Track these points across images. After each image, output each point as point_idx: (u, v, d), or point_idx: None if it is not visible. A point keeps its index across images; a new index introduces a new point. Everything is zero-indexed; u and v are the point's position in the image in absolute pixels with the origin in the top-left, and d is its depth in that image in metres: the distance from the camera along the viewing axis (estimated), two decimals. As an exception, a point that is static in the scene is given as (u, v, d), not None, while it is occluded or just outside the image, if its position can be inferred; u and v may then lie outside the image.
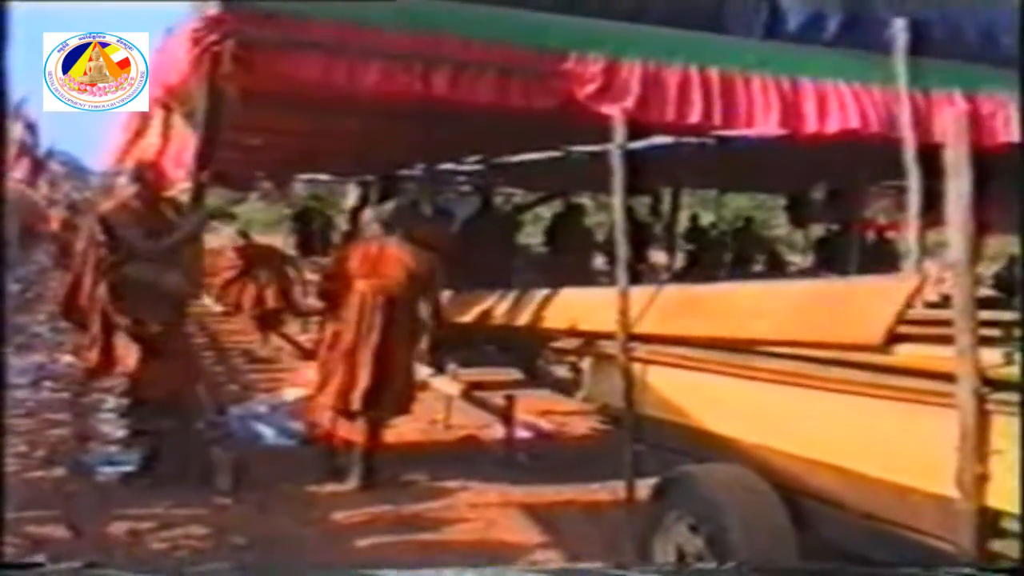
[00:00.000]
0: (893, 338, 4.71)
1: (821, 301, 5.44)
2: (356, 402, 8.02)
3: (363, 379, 8.04)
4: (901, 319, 4.73)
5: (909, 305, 4.77)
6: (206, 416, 8.63)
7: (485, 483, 8.05)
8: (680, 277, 15.21)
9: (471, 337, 9.91)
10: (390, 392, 8.15)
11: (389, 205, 9.21)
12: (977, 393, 4.02)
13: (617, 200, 7.16)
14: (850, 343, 4.91)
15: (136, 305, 7.82)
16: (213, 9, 6.84)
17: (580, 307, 7.69)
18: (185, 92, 7.95)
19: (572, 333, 7.81)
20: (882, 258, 15.33)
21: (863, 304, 5.04)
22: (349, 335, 8.17)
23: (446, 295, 9.61)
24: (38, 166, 33.51)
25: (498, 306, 9.21)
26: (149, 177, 8.26)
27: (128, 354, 7.94)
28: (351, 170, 19.88)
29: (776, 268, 17.91)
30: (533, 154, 16.70)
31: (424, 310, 8.46)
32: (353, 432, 8.20)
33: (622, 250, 6.91)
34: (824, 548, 4.97)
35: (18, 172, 29.48)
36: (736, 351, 5.61)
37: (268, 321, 14.66)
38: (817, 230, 18.84)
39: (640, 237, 13.97)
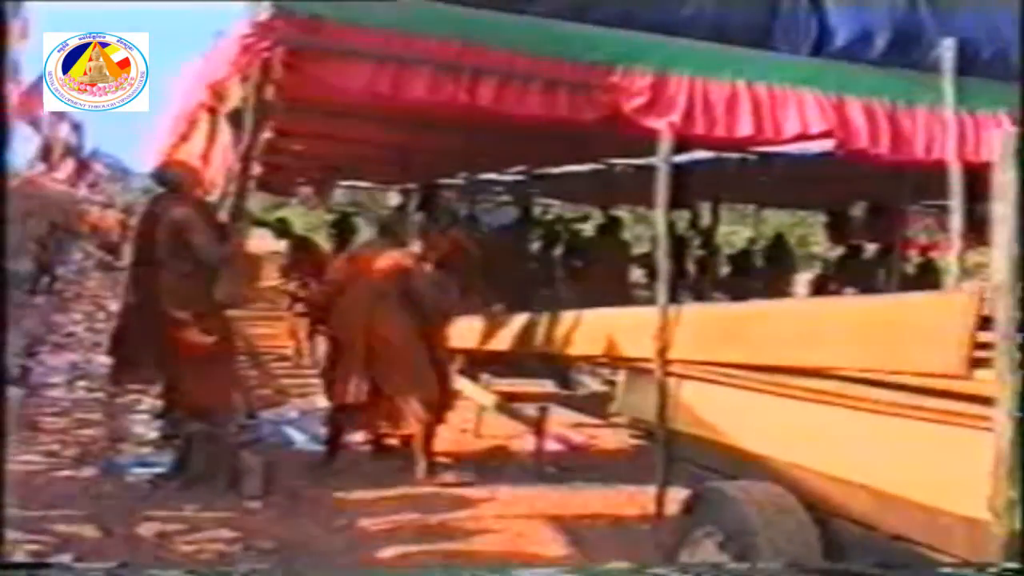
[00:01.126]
0: (973, 363, 4.54)
1: (881, 323, 5.21)
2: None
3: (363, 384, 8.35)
4: (976, 342, 4.56)
5: (980, 326, 4.60)
6: (238, 420, 8.64)
7: (513, 493, 8.02)
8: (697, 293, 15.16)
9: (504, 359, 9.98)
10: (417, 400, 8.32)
11: (386, 212, 9.32)
12: (1013, 416, 3.95)
13: (660, 214, 7.12)
14: (930, 372, 4.71)
15: (195, 316, 7.80)
16: (264, 15, 6.83)
17: (616, 329, 7.63)
18: (233, 97, 7.96)
19: (609, 358, 7.81)
20: (917, 277, 15.29)
21: (931, 326, 4.83)
22: (348, 341, 8.46)
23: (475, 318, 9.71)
24: (83, 167, 33.80)
25: (531, 327, 9.14)
26: (195, 180, 8.29)
27: (178, 368, 7.93)
28: (392, 178, 19.90)
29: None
30: (574, 166, 16.73)
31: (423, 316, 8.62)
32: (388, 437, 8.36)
33: (663, 265, 6.87)
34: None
35: (62, 172, 29.74)
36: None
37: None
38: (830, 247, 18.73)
39: (679, 252, 13.87)
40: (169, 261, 7.78)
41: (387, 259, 8.62)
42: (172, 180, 8.18)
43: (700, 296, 14.86)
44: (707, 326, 6.39)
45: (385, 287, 8.48)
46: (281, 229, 15.70)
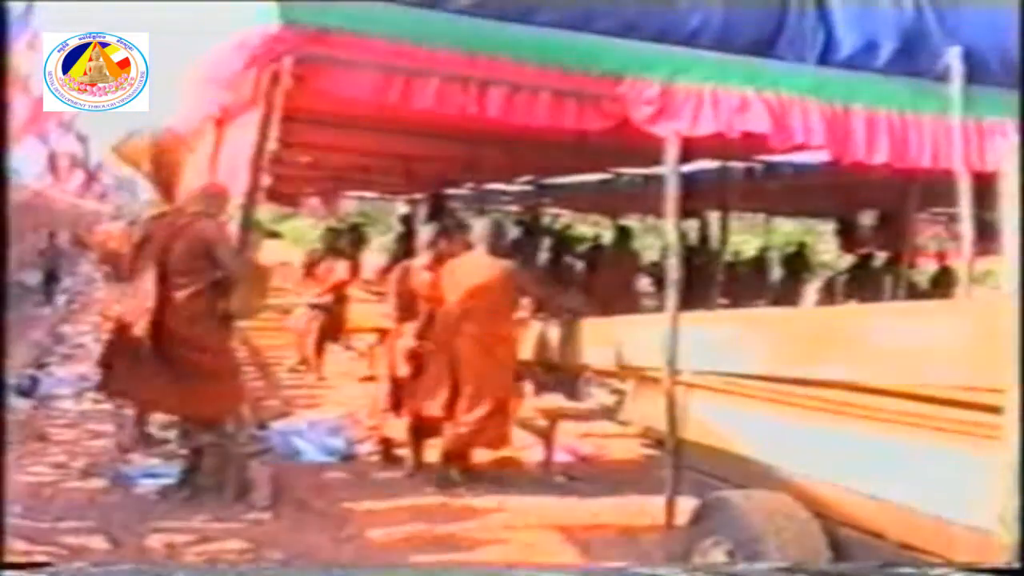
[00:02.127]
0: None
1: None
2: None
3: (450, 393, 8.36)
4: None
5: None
6: (247, 431, 8.63)
7: (522, 504, 8.03)
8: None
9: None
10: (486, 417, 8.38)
11: (484, 221, 9.23)
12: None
13: (670, 223, 7.12)
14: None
15: (203, 330, 7.79)
16: (273, 26, 6.84)
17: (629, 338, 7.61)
18: (242, 110, 7.97)
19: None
20: (930, 286, 15.28)
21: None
22: (436, 348, 8.49)
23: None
24: (91, 179, 33.93)
25: (546, 337, 9.12)
26: (223, 196, 8.24)
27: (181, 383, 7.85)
28: (400, 188, 19.95)
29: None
30: (582, 176, 16.75)
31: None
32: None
33: (673, 272, 6.86)
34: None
35: (71, 184, 29.83)
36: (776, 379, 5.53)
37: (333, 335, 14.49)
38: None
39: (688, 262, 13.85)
40: (185, 276, 7.71)
41: (490, 269, 8.57)
42: (217, 202, 8.12)
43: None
44: (716, 335, 6.39)
45: (489, 297, 8.48)
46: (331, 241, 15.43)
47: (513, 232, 17.49)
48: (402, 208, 22.04)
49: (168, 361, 7.74)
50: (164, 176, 8.54)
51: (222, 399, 7.91)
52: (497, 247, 8.69)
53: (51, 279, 22.98)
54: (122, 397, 8.62)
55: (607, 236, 18.68)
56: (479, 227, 8.90)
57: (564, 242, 18.78)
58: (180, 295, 7.67)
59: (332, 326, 14.22)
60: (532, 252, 17.19)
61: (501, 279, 8.46)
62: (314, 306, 14.24)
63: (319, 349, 14.22)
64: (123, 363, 7.93)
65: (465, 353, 8.31)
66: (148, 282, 7.81)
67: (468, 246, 8.86)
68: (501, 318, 8.54)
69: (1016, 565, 3.82)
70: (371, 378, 10.73)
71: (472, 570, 6.08)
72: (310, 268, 14.90)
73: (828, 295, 16.09)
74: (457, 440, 8.41)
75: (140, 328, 7.74)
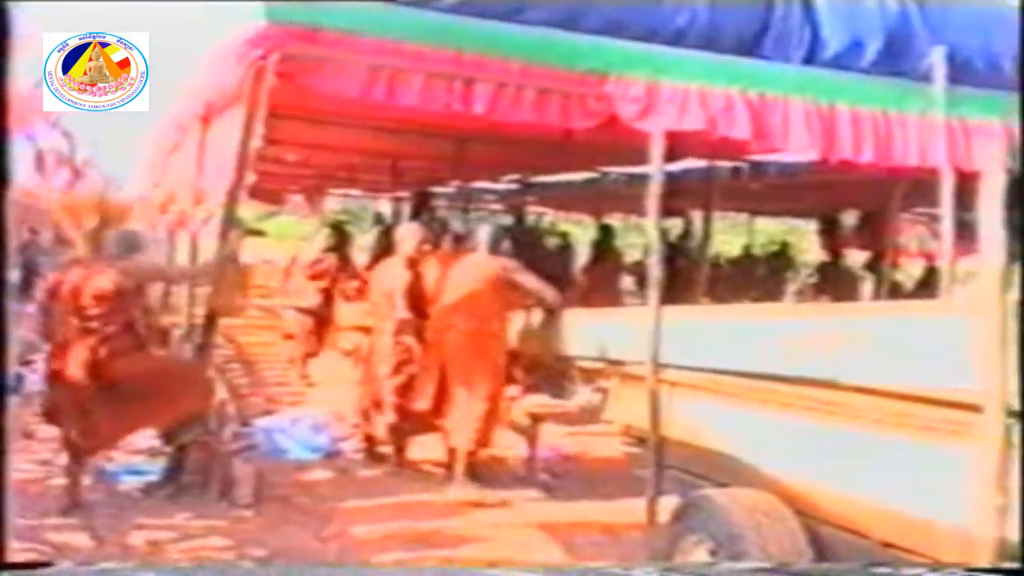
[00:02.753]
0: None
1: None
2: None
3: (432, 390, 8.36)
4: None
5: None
6: (230, 428, 8.61)
7: (505, 502, 8.05)
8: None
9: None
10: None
11: (486, 227, 9.23)
12: (1002, 425, 3.95)
13: (651, 222, 7.13)
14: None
15: (131, 361, 7.67)
16: (259, 24, 6.84)
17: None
18: (227, 107, 7.96)
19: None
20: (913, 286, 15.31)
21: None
22: (425, 346, 8.52)
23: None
24: (77, 175, 33.74)
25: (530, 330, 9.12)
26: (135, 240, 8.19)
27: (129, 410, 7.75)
28: (384, 186, 19.89)
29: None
30: (567, 175, 16.74)
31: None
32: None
33: (655, 271, 6.87)
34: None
35: (58, 181, 29.66)
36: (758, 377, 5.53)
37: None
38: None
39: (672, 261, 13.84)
40: (99, 319, 7.57)
41: (486, 266, 8.55)
42: (130, 245, 8.08)
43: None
44: (702, 332, 6.39)
45: (482, 294, 8.44)
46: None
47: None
48: (381, 206, 21.95)
49: (106, 396, 7.61)
50: (101, 232, 8.49)
51: (196, 399, 7.85)
52: (497, 249, 8.68)
53: (32, 275, 22.89)
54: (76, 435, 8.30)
55: (590, 234, 18.66)
56: (482, 232, 8.88)
57: (547, 240, 18.76)
58: (99, 336, 7.57)
59: (329, 329, 13.86)
60: (515, 251, 17.16)
61: (496, 276, 8.44)
62: (315, 313, 13.80)
63: (313, 350, 13.89)
64: (65, 411, 7.80)
65: (455, 350, 8.31)
66: (64, 327, 7.71)
67: (456, 246, 8.86)
68: (494, 315, 8.50)
69: (1016, 565, 3.84)
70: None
71: (455, 568, 6.13)
72: (289, 268, 14.59)
73: (808, 293, 16.13)
74: (468, 441, 8.34)
75: (71, 372, 7.62)
